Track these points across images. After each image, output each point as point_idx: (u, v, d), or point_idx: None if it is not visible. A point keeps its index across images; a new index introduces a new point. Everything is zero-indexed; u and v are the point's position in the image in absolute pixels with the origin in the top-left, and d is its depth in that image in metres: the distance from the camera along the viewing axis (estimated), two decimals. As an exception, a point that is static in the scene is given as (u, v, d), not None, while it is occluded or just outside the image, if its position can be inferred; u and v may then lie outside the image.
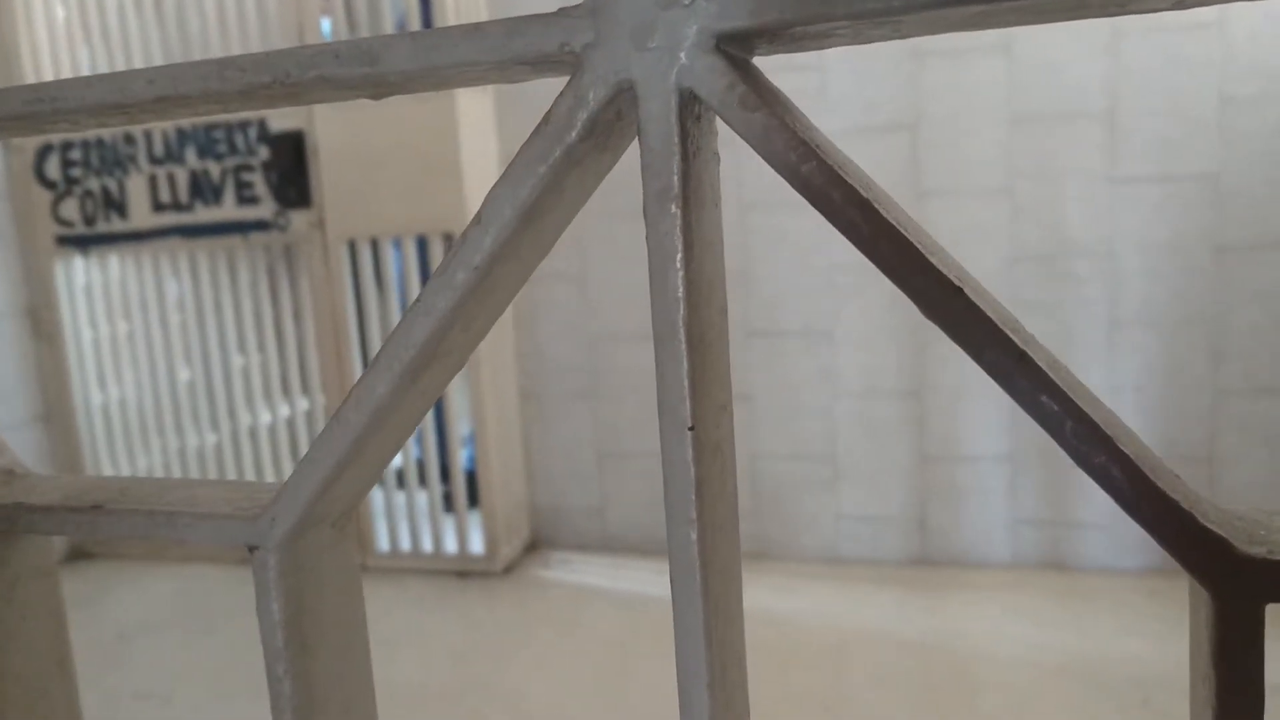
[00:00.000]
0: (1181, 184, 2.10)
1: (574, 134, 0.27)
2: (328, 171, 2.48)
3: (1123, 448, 0.23)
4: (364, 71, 0.28)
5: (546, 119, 0.27)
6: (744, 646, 0.29)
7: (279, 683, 0.32)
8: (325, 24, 2.53)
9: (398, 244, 2.52)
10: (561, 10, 0.27)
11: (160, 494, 0.34)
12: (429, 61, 0.27)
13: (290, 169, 2.55)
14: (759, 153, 0.25)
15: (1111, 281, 2.16)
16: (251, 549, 0.32)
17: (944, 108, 2.22)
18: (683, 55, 0.25)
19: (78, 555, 2.82)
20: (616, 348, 2.53)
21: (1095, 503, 2.21)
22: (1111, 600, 2.08)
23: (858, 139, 2.24)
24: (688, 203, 0.26)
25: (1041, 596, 2.13)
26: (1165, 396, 2.15)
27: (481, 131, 2.47)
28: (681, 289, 0.26)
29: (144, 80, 0.30)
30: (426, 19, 2.42)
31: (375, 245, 2.51)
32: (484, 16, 2.50)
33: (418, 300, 0.29)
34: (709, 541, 0.27)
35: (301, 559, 0.32)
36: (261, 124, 2.54)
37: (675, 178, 0.26)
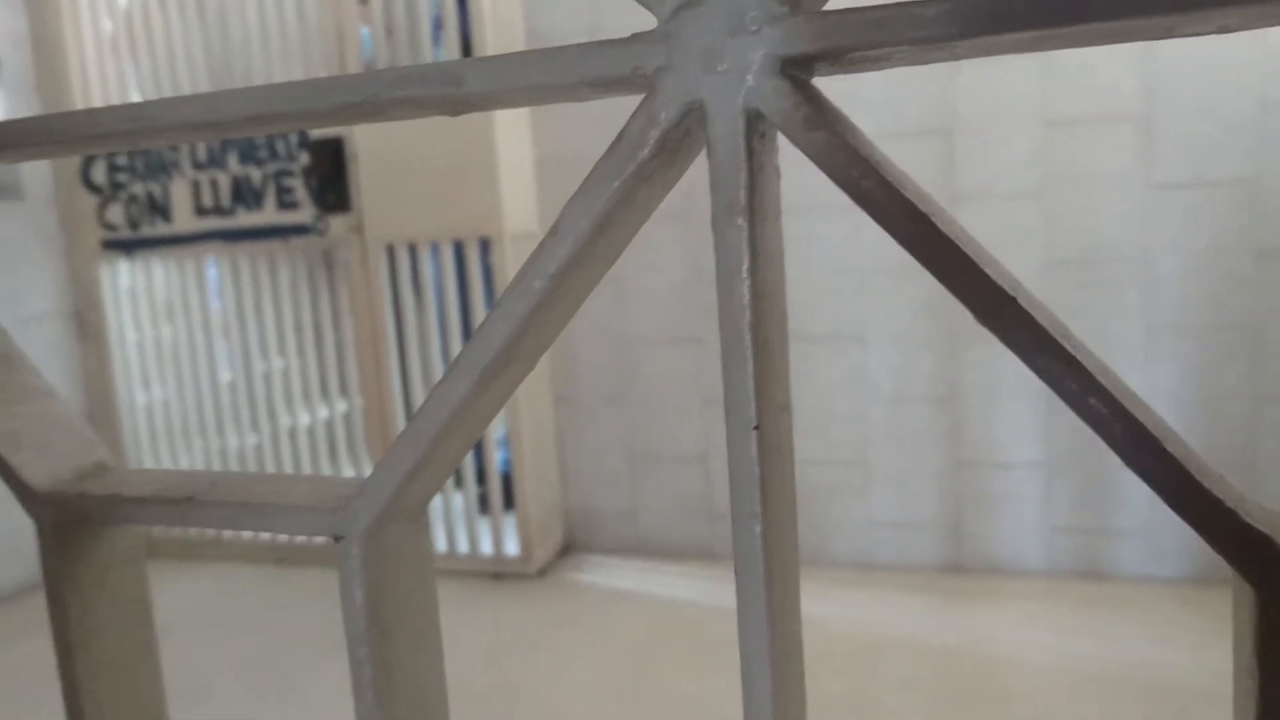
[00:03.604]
0: (1219, 188, 2.09)
1: (646, 151, 0.29)
2: (366, 177, 2.52)
3: (1169, 449, 0.24)
4: (447, 92, 0.30)
5: (620, 137, 0.29)
6: (801, 635, 0.30)
7: (360, 665, 0.33)
8: (364, 32, 2.57)
9: (435, 248, 2.56)
10: (634, 36, 0.29)
11: (247, 487, 0.36)
12: (508, 84, 0.29)
13: (330, 174, 2.60)
14: (821, 169, 0.27)
15: (1148, 287, 2.14)
16: (336, 539, 0.34)
17: (978, 111, 2.22)
18: (749, 78, 0.27)
19: (120, 553, 2.88)
20: (649, 352, 2.55)
21: (1131, 510, 2.19)
22: (1147, 609, 2.07)
23: (891, 143, 2.24)
24: (753, 216, 0.27)
25: (1076, 604, 2.12)
26: (1203, 403, 2.13)
27: (517, 138, 2.50)
28: (747, 297, 0.27)
29: (240, 100, 0.32)
30: (464, 27, 2.46)
31: (413, 249, 2.55)
32: (519, 23, 2.54)
33: (496, 306, 0.31)
34: (771, 536, 0.28)
35: (382, 549, 0.34)
36: (301, 130, 2.59)
37: (742, 192, 0.27)
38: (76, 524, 0.38)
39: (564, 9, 2.53)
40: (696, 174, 0.30)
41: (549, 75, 0.29)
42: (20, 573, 2.65)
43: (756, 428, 0.28)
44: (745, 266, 0.27)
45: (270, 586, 2.58)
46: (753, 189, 0.27)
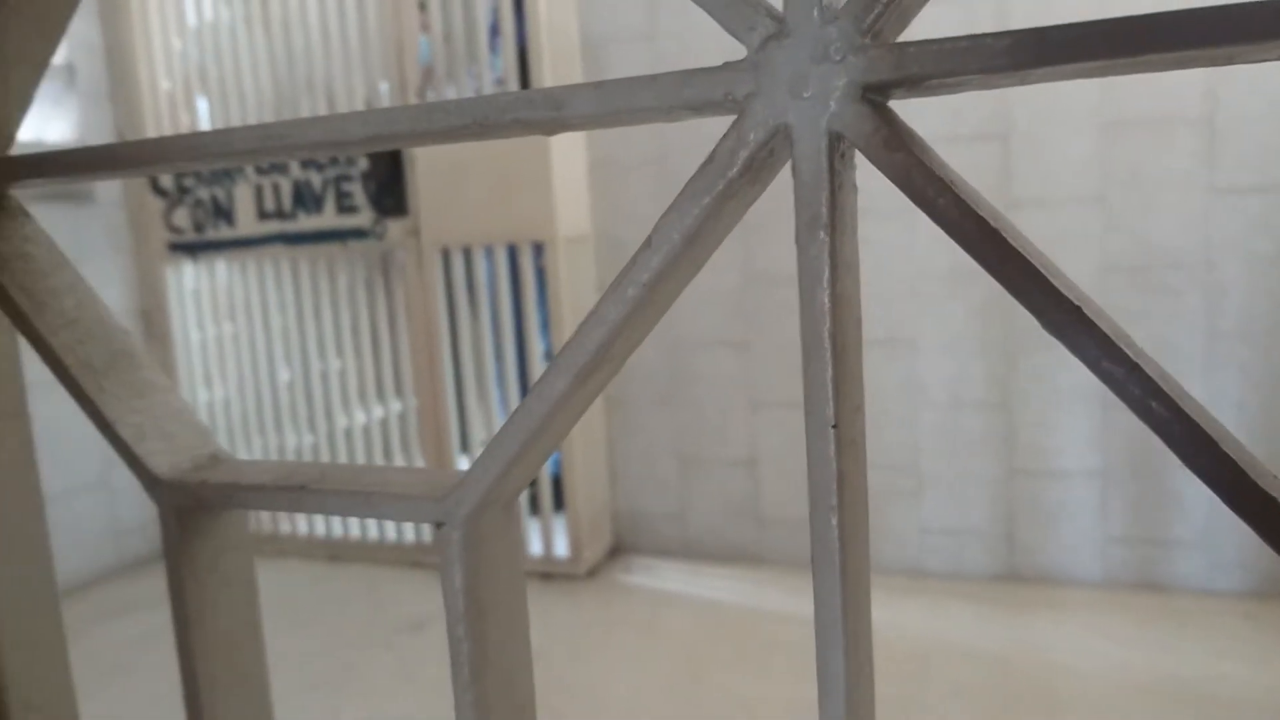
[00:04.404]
0: (1284, 195, 2.05)
1: (735, 170, 0.31)
2: (424, 182, 2.57)
3: (1226, 449, 0.26)
4: (552, 115, 0.33)
5: (711, 157, 0.31)
6: (870, 619, 0.32)
7: (459, 642, 0.36)
8: (423, 42, 2.63)
9: (489, 251, 2.61)
10: (726, 64, 0.31)
11: (355, 477, 0.39)
12: (609, 108, 0.32)
13: (388, 179, 2.66)
14: (900, 188, 0.29)
15: (1210, 293, 2.11)
16: (438, 525, 0.37)
17: (1035, 114, 2.21)
18: (833, 103, 0.29)
19: (183, 546, 2.98)
20: (699, 355, 2.57)
21: (1190, 521, 2.16)
22: (1205, 622, 2.04)
23: (948, 148, 2.24)
24: (834, 229, 0.30)
25: (1132, 616, 2.09)
26: (1267, 411, 2.09)
27: (571, 143, 2.54)
28: (828, 304, 0.30)
29: (361, 121, 0.35)
30: (520, 34, 2.50)
31: (467, 253, 2.60)
32: (575, 30, 2.57)
33: (593, 311, 0.33)
34: (847, 528, 0.31)
35: (479, 535, 0.37)
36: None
37: (824, 208, 0.30)
38: (196, 509, 0.42)
39: (619, 16, 2.56)
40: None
41: (650, 100, 0.31)
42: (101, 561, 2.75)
43: (834, 426, 0.30)
44: (826, 276, 0.29)
45: (323, 583, 2.64)
46: (834, 205, 0.30)
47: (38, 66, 0.43)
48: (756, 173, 0.32)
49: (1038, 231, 2.19)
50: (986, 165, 2.24)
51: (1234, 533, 2.13)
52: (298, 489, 0.39)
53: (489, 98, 0.33)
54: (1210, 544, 2.16)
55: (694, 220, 0.32)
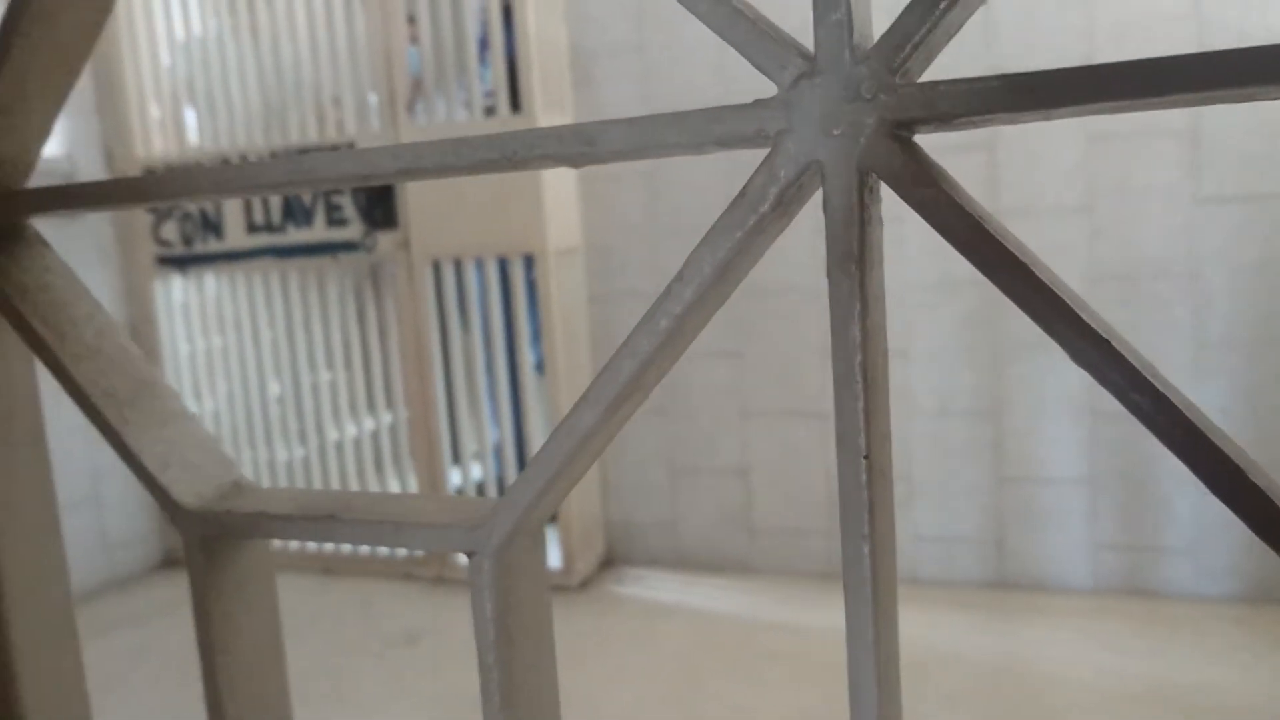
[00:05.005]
0: (1269, 202, 2.08)
1: (766, 205, 0.32)
2: (413, 195, 2.57)
3: (1223, 448, 0.27)
4: (582, 150, 0.33)
5: (744, 192, 0.32)
6: (898, 645, 0.33)
7: (489, 670, 0.37)
8: (412, 53, 2.63)
9: (479, 264, 2.61)
10: (758, 101, 0.32)
11: (381, 506, 0.40)
12: (640, 143, 0.32)
13: (378, 192, 2.66)
14: (929, 222, 0.30)
15: (1196, 302, 2.14)
16: (470, 554, 0.37)
17: (1022, 125, 2.23)
18: (863, 140, 0.30)
19: (169, 563, 2.96)
20: (691, 365, 2.58)
21: (1180, 528, 2.18)
22: (1196, 628, 2.05)
23: (934, 157, 2.25)
24: (864, 264, 0.30)
25: (1123, 623, 2.11)
26: (1254, 420, 2.12)
27: (561, 155, 2.54)
28: (859, 338, 0.30)
29: (389, 155, 0.35)
30: (510, 47, 2.51)
31: (458, 265, 2.60)
32: (564, 43, 2.58)
33: (625, 344, 0.34)
34: (878, 554, 0.31)
35: (509, 564, 0.37)
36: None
37: (855, 244, 0.30)
38: (220, 538, 0.42)
39: (608, 28, 2.57)
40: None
41: (679, 137, 0.32)
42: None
43: (866, 456, 0.30)
44: (858, 311, 0.30)
45: (317, 595, 2.63)
46: (863, 240, 0.30)
47: (58, 101, 0.43)
48: (786, 207, 0.32)
49: (1024, 241, 2.21)
50: (973, 175, 2.26)
51: (1223, 539, 2.15)
52: (326, 518, 0.39)
53: (519, 133, 0.34)
54: (1200, 550, 2.18)
55: (725, 254, 0.32)
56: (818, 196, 0.32)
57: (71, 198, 0.41)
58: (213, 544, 0.42)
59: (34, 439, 0.46)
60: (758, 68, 0.31)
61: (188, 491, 0.43)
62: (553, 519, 2.62)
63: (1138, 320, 2.17)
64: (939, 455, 2.37)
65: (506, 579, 0.37)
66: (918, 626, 2.17)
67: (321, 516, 0.39)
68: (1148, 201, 2.16)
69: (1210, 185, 2.11)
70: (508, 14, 2.50)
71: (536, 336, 2.62)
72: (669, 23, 2.47)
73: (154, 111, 2.88)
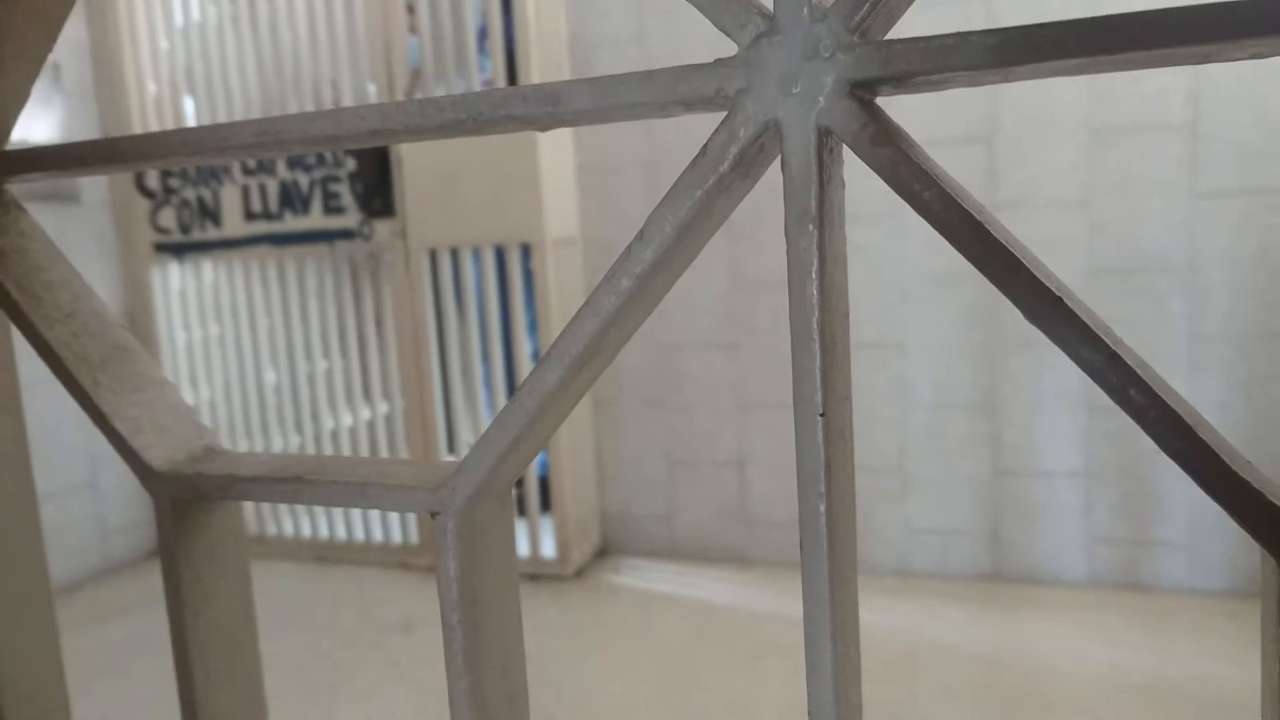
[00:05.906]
0: (1267, 197, 2.08)
1: (726, 164, 0.32)
2: (411, 183, 2.57)
3: (1201, 435, 0.27)
4: (547, 110, 0.33)
5: (703, 152, 0.32)
6: (857, 605, 0.33)
7: (452, 630, 0.37)
8: (412, 42, 2.63)
9: (476, 253, 2.61)
10: (718, 61, 0.32)
11: (352, 469, 0.40)
12: (605, 103, 0.33)
13: (375, 180, 2.66)
14: (886, 181, 0.30)
15: (1193, 296, 2.14)
16: (434, 514, 0.37)
17: (1020, 118, 2.23)
18: (821, 99, 0.30)
19: (169, 548, 2.96)
20: (687, 357, 2.58)
21: (1174, 522, 2.18)
22: (1190, 621, 2.06)
23: (933, 150, 2.24)
24: (822, 223, 0.30)
25: (1117, 615, 2.11)
26: (1250, 413, 2.12)
27: (559, 145, 2.54)
28: (816, 296, 0.30)
29: (358, 116, 0.36)
30: (509, 36, 2.50)
31: (455, 254, 2.60)
32: (563, 32, 2.58)
33: (586, 303, 0.34)
34: (834, 512, 0.31)
35: (474, 525, 0.37)
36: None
37: (813, 202, 0.30)
38: (191, 501, 0.42)
39: (608, 18, 2.57)
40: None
41: (644, 95, 0.32)
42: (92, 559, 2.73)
43: (822, 415, 0.30)
44: (814, 269, 0.30)
45: (314, 584, 2.63)
46: (822, 199, 0.30)
47: (35, 62, 0.43)
48: (747, 167, 0.32)
49: (1022, 235, 2.21)
50: (972, 168, 2.26)
51: (1217, 532, 2.15)
52: (294, 480, 0.39)
53: (484, 93, 0.34)
54: (1194, 544, 2.18)
55: (686, 213, 0.32)
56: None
57: (46, 160, 0.41)
58: (184, 507, 0.42)
59: (8, 405, 0.46)
60: (719, 27, 0.32)
61: (159, 455, 0.43)
62: (547, 508, 2.62)
63: (1136, 313, 2.17)
64: (935, 448, 2.37)
65: (470, 540, 0.37)
66: (913, 618, 2.17)
67: (289, 478, 0.39)
68: (1146, 195, 2.15)
69: (1208, 179, 2.11)
70: (507, 4, 2.50)
71: (533, 326, 2.62)
72: (668, 12, 2.47)
73: (152, 97, 2.88)
